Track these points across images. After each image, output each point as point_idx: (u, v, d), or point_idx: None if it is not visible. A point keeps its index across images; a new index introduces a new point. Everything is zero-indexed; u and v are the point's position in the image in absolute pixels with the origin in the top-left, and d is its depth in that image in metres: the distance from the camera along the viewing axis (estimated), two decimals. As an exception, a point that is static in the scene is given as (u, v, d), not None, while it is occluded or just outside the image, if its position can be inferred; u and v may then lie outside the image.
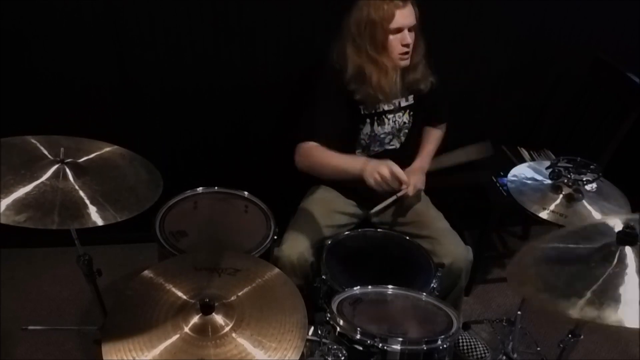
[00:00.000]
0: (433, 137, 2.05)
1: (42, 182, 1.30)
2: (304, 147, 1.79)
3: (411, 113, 1.90)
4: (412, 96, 1.88)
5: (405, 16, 1.67)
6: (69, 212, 1.25)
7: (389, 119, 1.87)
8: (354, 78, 1.75)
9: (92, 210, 1.28)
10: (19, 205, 1.22)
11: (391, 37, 1.69)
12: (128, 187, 1.41)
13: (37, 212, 1.22)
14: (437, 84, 1.87)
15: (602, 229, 1.24)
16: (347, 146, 1.85)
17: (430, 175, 1.93)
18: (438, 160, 1.91)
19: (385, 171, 1.64)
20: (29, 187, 1.27)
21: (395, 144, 1.93)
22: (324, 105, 1.80)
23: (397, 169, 1.66)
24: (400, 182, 1.69)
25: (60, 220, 1.22)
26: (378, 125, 1.86)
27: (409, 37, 1.70)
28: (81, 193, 1.31)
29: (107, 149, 1.53)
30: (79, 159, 1.43)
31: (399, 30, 1.68)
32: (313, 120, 1.81)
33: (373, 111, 1.84)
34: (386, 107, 1.85)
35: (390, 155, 1.87)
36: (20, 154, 1.39)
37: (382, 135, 1.88)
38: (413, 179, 1.83)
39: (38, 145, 1.43)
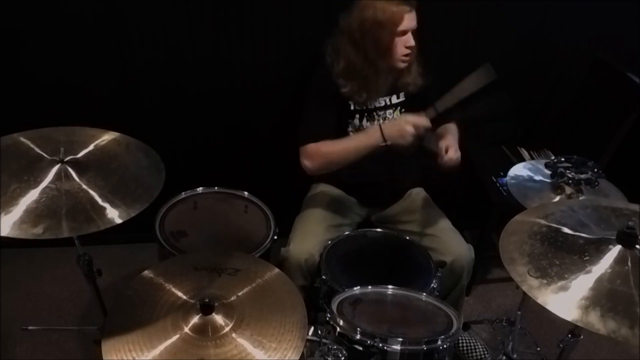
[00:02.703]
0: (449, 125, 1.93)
1: (47, 187, 1.28)
2: (309, 149, 1.77)
3: (402, 110, 1.90)
4: (402, 93, 1.88)
5: (411, 19, 1.68)
6: (83, 215, 1.23)
7: (379, 115, 1.87)
8: (343, 73, 1.76)
9: (108, 208, 1.26)
10: (33, 217, 1.20)
11: (397, 39, 1.69)
12: (132, 177, 1.39)
13: (52, 221, 1.20)
14: (434, 83, 1.86)
15: (604, 216, 1.25)
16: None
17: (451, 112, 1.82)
18: (450, 97, 1.74)
19: (408, 128, 1.64)
20: (36, 195, 1.25)
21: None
22: (320, 105, 1.81)
23: (413, 119, 1.66)
24: (421, 129, 1.66)
25: (77, 225, 1.20)
26: (367, 120, 1.86)
27: (412, 40, 1.71)
28: (92, 193, 1.30)
29: (102, 137, 1.51)
30: (77, 153, 1.41)
31: (404, 32, 1.69)
32: (313, 123, 1.81)
33: (364, 107, 1.84)
34: (377, 104, 1.85)
35: (382, 154, 1.87)
36: (16, 157, 1.37)
37: None
38: (449, 141, 1.76)
39: (30, 144, 1.41)
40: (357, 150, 1.73)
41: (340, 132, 1.87)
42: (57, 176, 1.32)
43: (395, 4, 1.66)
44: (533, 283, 1.11)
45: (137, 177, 1.40)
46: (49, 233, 1.17)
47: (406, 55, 1.73)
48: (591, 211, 1.29)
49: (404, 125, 1.66)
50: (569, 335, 1.39)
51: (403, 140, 1.66)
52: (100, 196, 1.29)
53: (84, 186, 1.31)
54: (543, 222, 1.26)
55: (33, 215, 1.21)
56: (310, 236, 1.80)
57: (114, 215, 1.26)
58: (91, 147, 1.46)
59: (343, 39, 1.75)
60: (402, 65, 1.75)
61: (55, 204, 1.24)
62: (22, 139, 1.43)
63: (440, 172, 1.74)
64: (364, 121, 1.86)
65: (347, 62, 1.74)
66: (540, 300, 1.07)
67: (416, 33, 1.74)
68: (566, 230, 1.22)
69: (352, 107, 1.84)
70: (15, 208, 1.22)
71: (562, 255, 1.15)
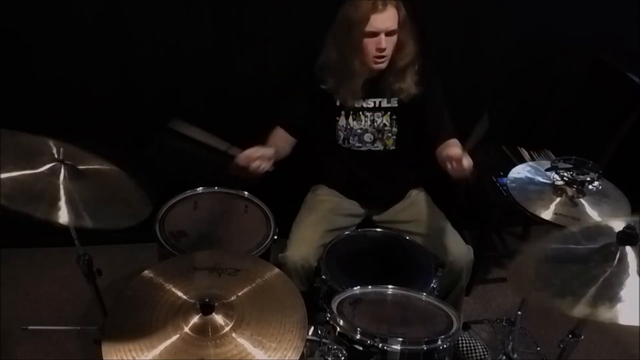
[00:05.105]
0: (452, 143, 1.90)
1: (41, 172, 1.31)
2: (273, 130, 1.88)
3: (394, 117, 1.86)
4: (395, 99, 1.85)
5: (381, 21, 1.64)
6: (70, 207, 1.26)
7: (366, 116, 1.86)
8: (320, 67, 1.80)
9: (86, 212, 1.29)
10: (18, 190, 1.23)
11: (366, 40, 1.67)
12: (121, 199, 1.43)
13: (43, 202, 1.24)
14: (435, 96, 1.85)
15: (603, 230, 1.24)
16: (326, 137, 1.88)
17: None
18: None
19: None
20: (28, 174, 1.29)
21: (379, 146, 1.90)
22: (299, 94, 1.88)
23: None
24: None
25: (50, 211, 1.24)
26: (354, 119, 1.86)
27: (384, 42, 1.67)
28: (74, 192, 1.32)
29: (104, 166, 1.53)
30: (77, 165, 1.43)
31: (374, 34, 1.66)
32: (281, 108, 1.90)
33: (351, 105, 1.84)
34: (364, 104, 1.84)
35: (374, 156, 1.89)
36: (19, 147, 1.38)
37: (358, 131, 1.87)
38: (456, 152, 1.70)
39: (37, 142, 1.43)
40: None
41: (327, 128, 1.88)
42: (52, 170, 1.33)
43: (366, 3, 1.63)
44: (540, 295, 1.10)
45: (126, 199, 1.44)
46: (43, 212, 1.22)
47: (379, 57, 1.70)
48: (585, 230, 1.29)
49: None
50: (569, 335, 1.39)
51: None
52: (84, 199, 1.32)
53: (71, 187, 1.33)
54: (547, 247, 1.25)
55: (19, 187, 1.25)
56: (307, 242, 1.80)
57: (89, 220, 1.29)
58: (91, 166, 1.48)
59: (328, 35, 1.77)
60: (377, 67, 1.73)
61: (40, 187, 1.29)
62: (33, 137, 1.45)
63: (454, 181, 1.68)
64: (350, 119, 1.86)
65: (325, 58, 1.77)
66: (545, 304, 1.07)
67: (404, 35, 1.72)
68: (569, 247, 1.22)
69: (337, 104, 1.83)
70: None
71: (567, 267, 1.15)
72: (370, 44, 1.67)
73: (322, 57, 1.79)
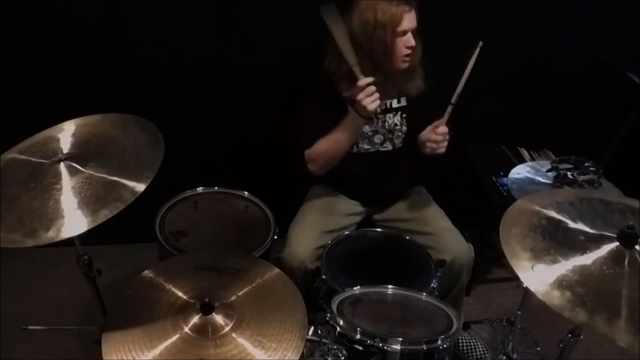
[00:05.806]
0: None
1: (55, 187, 1.29)
2: (309, 154, 1.80)
3: (403, 115, 1.87)
4: (404, 98, 1.85)
5: (411, 19, 1.67)
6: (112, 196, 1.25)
7: (378, 118, 1.85)
8: (348, 77, 1.72)
9: (129, 184, 1.28)
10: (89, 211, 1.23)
11: (397, 40, 1.68)
12: (132, 157, 1.39)
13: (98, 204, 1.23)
14: (436, 89, 1.85)
15: (599, 209, 1.25)
16: None
17: None
18: (458, 85, 1.74)
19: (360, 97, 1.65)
20: (68, 194, 1.27)
21: (388, 146, 1.90)
22: (321, 111, 1.79)
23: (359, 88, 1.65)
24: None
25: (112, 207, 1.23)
26: (365, 123, 1.83)
27: (412, 40, 1.69)
28: (105, 175, 1.31)
29: (97, 121, 1.52)
30: (73, 147, 1.42)
31: (404, 33, 1.68)
32: (314, 129, 1.79)
33: None
34: None
35: (383, 157, 1.87)
36: (20, 167, 1.37)
37: (369, 133, 1.87)
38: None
39: (28, 157, 1.42)
40: (347, 136, 1.74)
41: None
42: (64, 174, 1.32)
43: (394, 4, 1.64)
44: (534, 277, 1.10)
45: (137, 154, 1.40)
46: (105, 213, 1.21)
47: (407, 55, 1.71)
48: (587, 204, 1.28)
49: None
50: (569, 335, 1.40)
51: (365, 110, 1.64)
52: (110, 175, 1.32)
53: (92, 172, 1.32)
54: (543, 212, 1.24)
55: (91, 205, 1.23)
56: (304, 243, 1.79)
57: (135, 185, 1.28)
58: (84, 133, 1.47)
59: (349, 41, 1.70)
60: (403, 65, 1.73)
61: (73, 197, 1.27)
62: (19, 156, 1.43)
63: (426, 155, 1.75)
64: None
65: (349, 66, 1.69)
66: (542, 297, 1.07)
67: (418, 34, 1.73)
68: (566, 223, 1.21)
69: (349, 108, 1.82)
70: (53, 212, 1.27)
71: (564, 251, 1.14)
72: (400, 43, 1.68)
73: (346, 67, 1.68)
